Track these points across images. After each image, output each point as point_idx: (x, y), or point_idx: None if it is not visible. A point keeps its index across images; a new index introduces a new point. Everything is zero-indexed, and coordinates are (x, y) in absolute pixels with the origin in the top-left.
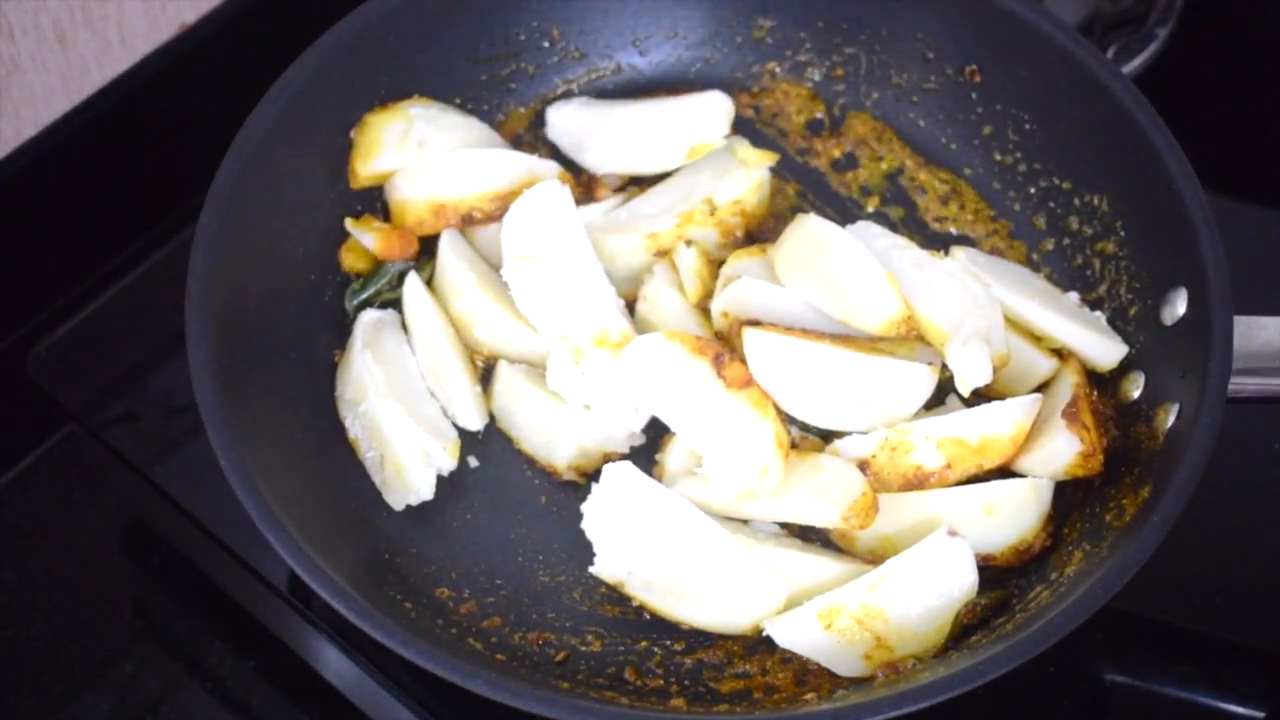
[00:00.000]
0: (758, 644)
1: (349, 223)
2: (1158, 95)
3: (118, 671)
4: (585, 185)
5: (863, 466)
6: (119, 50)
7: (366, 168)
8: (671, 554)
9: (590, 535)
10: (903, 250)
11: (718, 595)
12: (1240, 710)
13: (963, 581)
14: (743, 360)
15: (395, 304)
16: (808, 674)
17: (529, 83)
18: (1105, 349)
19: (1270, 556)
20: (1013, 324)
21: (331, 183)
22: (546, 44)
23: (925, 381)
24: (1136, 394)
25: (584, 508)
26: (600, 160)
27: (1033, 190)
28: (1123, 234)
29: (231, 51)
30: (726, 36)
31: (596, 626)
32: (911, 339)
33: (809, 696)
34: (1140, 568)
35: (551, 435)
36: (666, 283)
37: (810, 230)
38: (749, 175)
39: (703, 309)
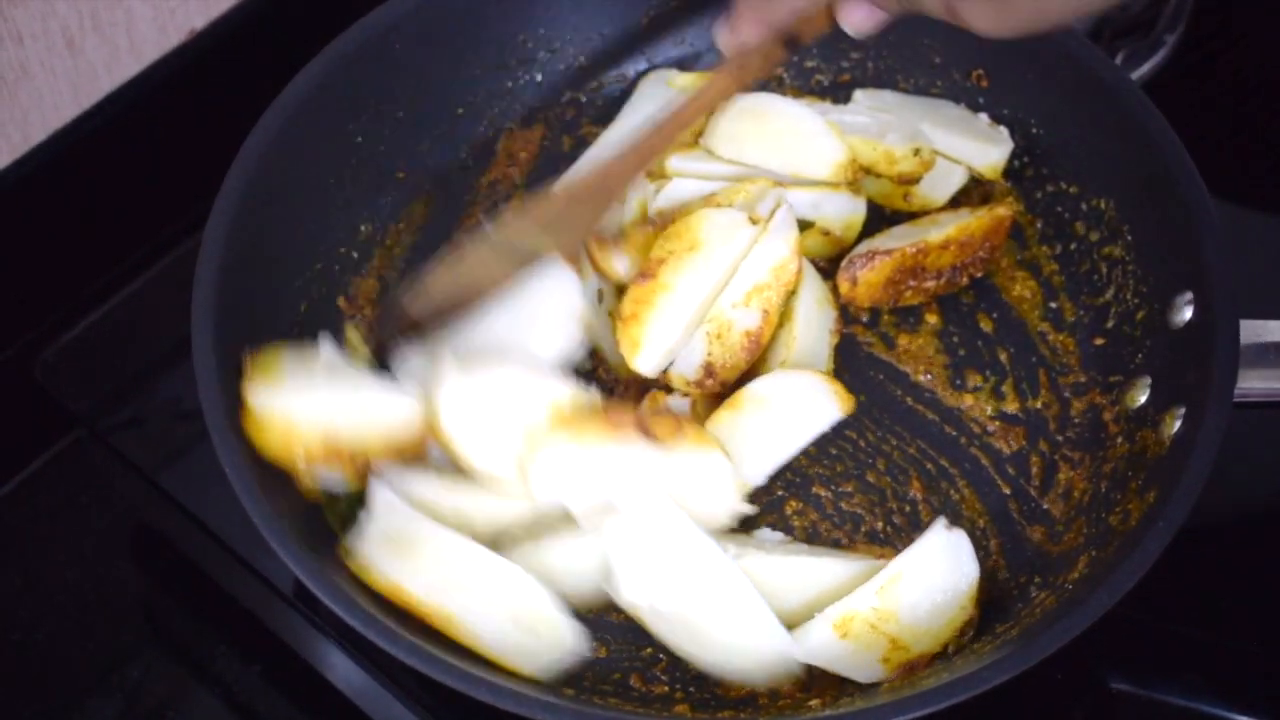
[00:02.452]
0: None
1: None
2: (1166, 101)
3: (124, 676)
4: None
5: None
6: (128, 56)
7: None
8: (694, 599)
9: (611, 557)
10: (813, 107)
11: (735, 653)
12: (1246, 718)
13: (966, 573)
14: (662, 412)
15: None
16: (813, 680)
17: (535, 91)
18: (983, 152)
19: (1277, 562)
20: None
21: (339, 189)
22: (552, 52)
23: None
24: (1143, 399)
25: (607, 526)
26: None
27: (1039, 195)
28: (1129, 238)
29: (240, 58)
30: None
31: (602, 633)
32: (859, 183)
33: (814, 703)
34: (1145, 573)
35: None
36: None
37: (744, 105)
38: None
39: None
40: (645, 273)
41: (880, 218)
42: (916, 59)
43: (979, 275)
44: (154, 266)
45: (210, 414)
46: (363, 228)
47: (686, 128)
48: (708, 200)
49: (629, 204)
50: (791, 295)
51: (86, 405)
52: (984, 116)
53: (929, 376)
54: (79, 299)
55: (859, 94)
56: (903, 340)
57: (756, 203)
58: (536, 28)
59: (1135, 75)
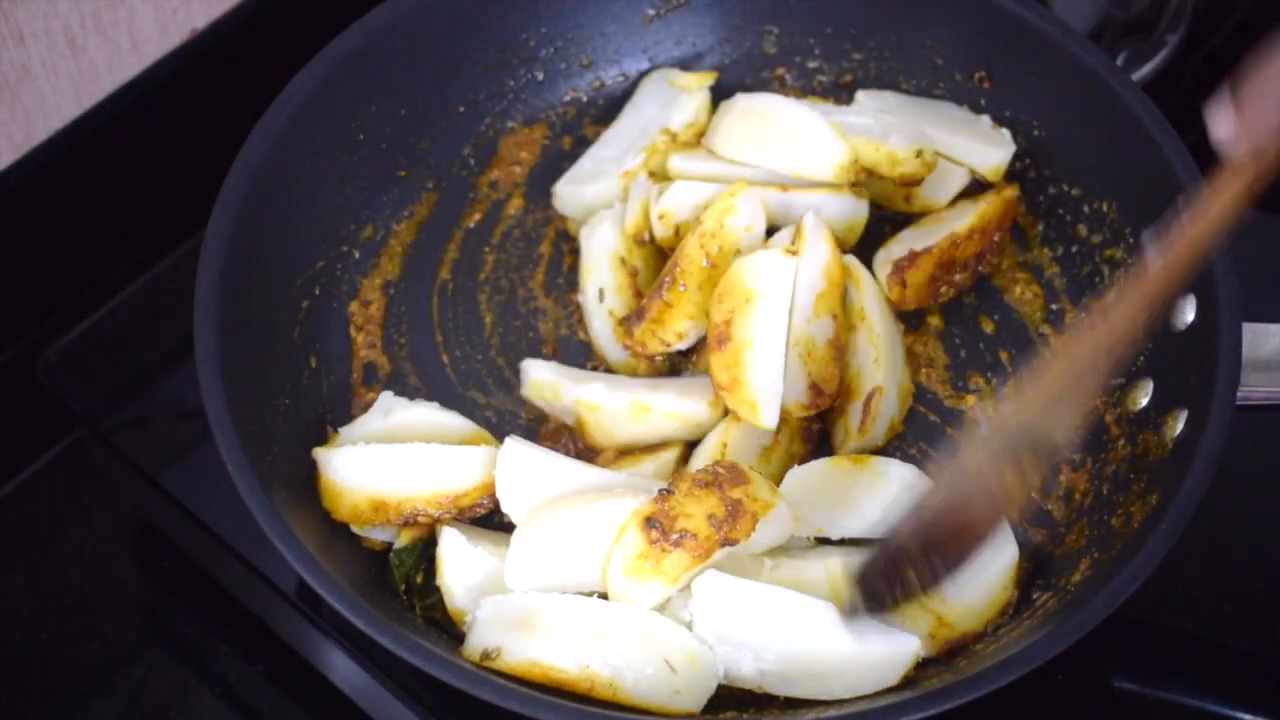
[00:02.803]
0: None
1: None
2: (1168, 102)
3: (127, 676)
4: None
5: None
6: (129, 55)
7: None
8: (791, 644)
9: (706, 642)
10: (816, 108)
11: (848, 669)
12: (1249, 717)
13: (1005, 552)
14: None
15: None
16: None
17: (537, 90)
18: (985, 154)
19: (1279, 563)
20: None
21: (341, 188)
22: (554, 51)
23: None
24: (1145, 401)
25: (692, 618)
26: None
27: (1041, 197)
28: (1131, 241)
29: (241, 57)
30: (735, 43)
31: None
32: (861, 181)
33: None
34: (1149, 575)
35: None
36: (606, 219)
37: (746, 105)
38: (694, 98)
39: (637, 240)
40: (721, 339)
41: (882, 220)
42: (918, 60)
43: (996, 261)
44: (156, 266)
45: (212, 413)
46: (365, 226)
47: (1198, 257)
48: (710, 207)
49: (631, 207)
50: (844, 290)
51: (88, 405)
52: (986, 119)
53: (931, 378)
54: (81, 298)
55: (861, 95)
56: (906, 342)
57: (763, 219)
58: (538, 26)
59: (1137, 76)
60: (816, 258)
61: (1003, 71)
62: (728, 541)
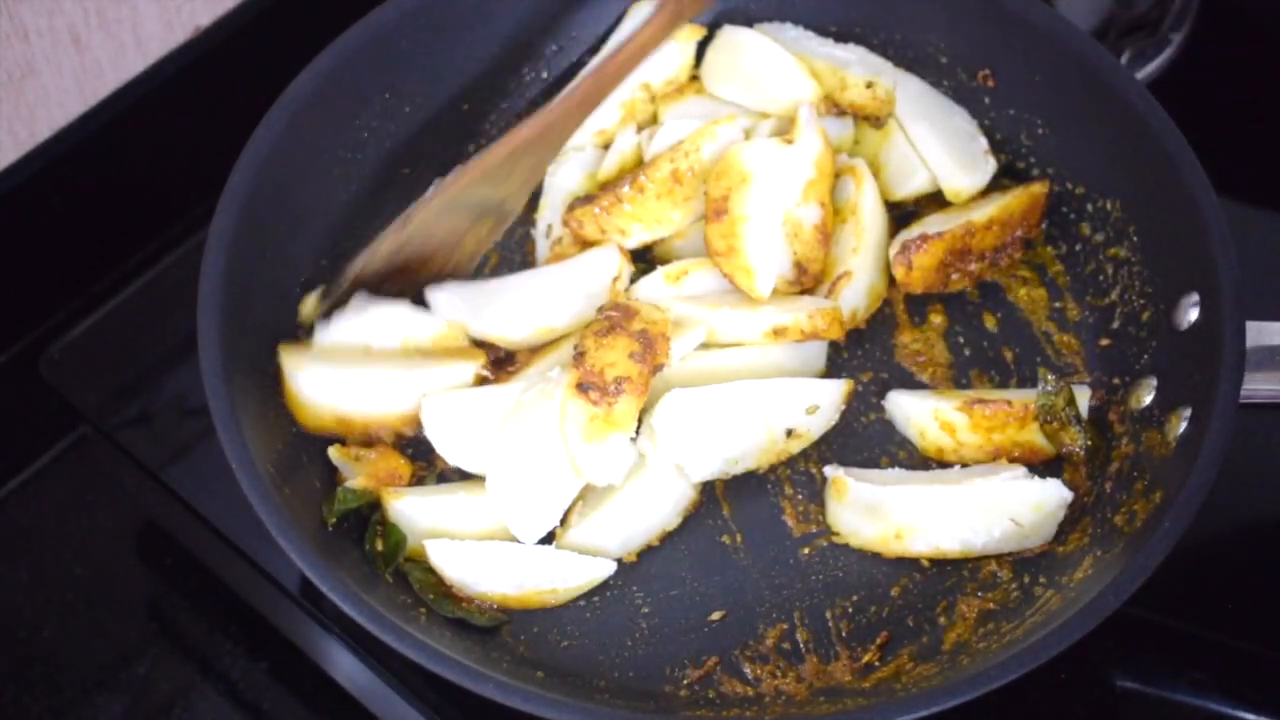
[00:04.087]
0: (769, 654)
1: (332, 452)
2: (1172, 100)
3: (130, 673)
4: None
5: None
6: (133, 53)
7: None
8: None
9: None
10: (811, 37)
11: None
12: (1252, 716)
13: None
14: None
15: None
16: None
17: (542, 87)
18: (954, 173)
19: None
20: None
21: (345, 185)
22: (557, 49)
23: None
24: (1149, 399)
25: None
26: (493, 328)
27: (1045, 195)
28: (1135, 239)
29: (246, 54)
30: None
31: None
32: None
33: (820, 699)
34: (1152, 573)
35: None
36: (573, 159)
37: (726, 38)
38: (680, 50)
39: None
40: (719, 211)
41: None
42: (923, 58)
43: (1017, 256)
44: (160, 263)
45: (216, 410)
46: (369, 224)
47: (626, 73)
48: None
49: (610, 158)
50: (834, 182)
51: (92, 402)
52: (983, 141)
53: (934, 375)
54: (84, 295)
55: (889, 72)
56: (907, 339)
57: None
58: (542, 24)
59: (1141, 74)
60: (809, 148)
61: (1007, 69)
62: (656, 369)
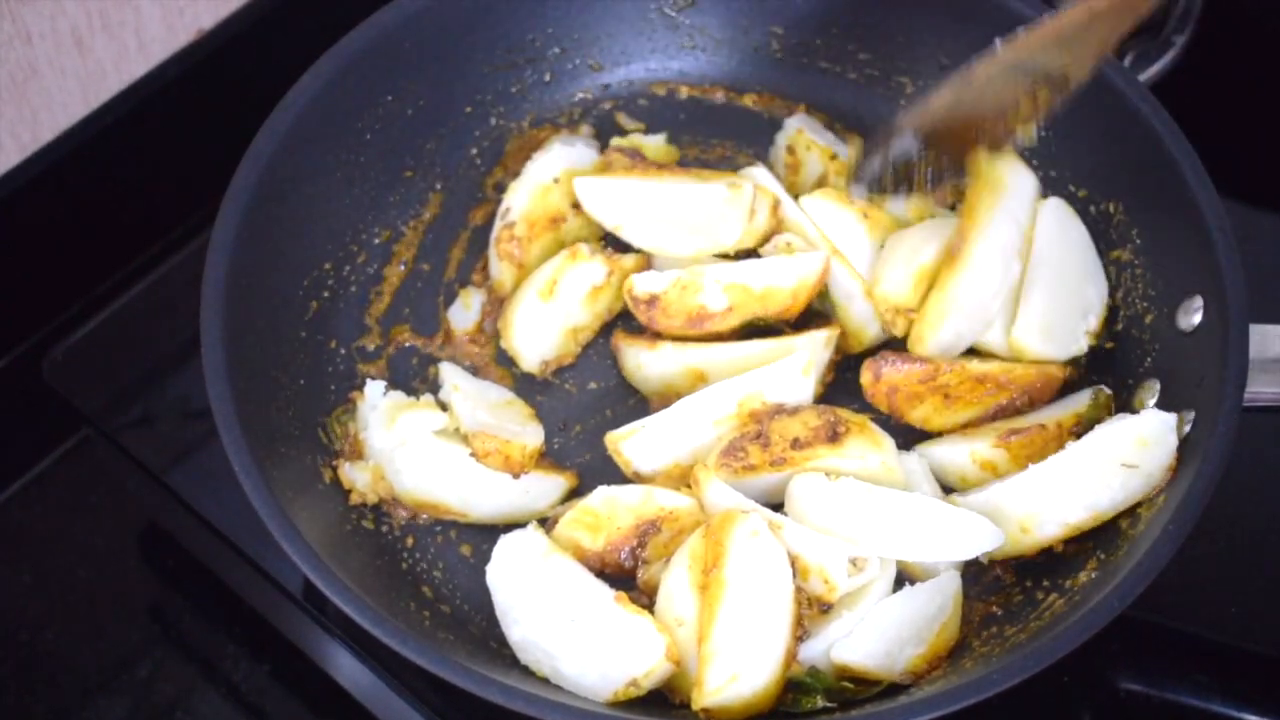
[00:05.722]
0: None
1: (472, 440)
2: (1174, 102)
3: (133, 675)
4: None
5: (652, 301)
6: (136, 55)
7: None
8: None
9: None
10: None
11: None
12: (1255, 719)
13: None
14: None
15: None
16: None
17: (544, 90)
18: (1031, 338)
19: None
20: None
21: (347, 188)
22: (561, 52)
23: (744, 202)
24: (1152, 402)
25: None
26: (641, 237)
27: (1048, 198)
28: (1138, 241)
29: (248, 57)
30: (741, 44)
31: None
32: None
33: (821, 703)
34: (1156, 576)
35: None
36: (556, 148)
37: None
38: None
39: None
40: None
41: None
42: (924, 61)
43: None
44: (163, 265)
45: (219, 413)
46: (372, 227)
47: None
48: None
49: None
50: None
51: (95, 404)
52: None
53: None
54: (87, 298)
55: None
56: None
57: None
58: (546, 27)
59: (1144, 77)
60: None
61: None
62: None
